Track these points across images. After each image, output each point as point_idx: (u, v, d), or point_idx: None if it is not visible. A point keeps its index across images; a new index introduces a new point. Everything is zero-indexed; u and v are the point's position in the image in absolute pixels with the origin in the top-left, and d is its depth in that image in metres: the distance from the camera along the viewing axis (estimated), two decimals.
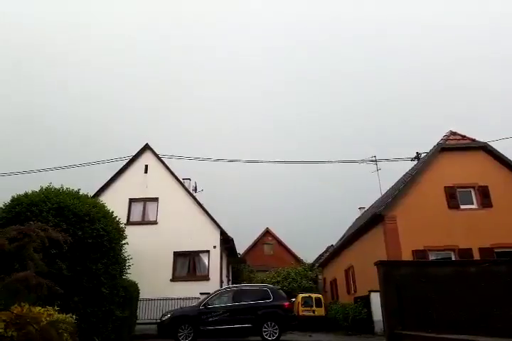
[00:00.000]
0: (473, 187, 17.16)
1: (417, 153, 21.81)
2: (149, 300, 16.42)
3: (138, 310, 13.23)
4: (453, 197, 16.99)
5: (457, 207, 16.81)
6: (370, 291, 15.79)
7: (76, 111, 59.82)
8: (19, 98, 55.01)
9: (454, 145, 18.01)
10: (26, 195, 7.60)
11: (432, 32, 66.82)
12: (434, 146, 18.56)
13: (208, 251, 18.94)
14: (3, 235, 4.37)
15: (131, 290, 9.88)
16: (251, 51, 71.78)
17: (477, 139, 18.19)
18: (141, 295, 12.95)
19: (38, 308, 4.44)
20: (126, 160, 20.74)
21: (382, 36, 67.17)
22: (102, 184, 19.90)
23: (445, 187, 17.05)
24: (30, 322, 3.93)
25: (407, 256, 15.25)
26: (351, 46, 69.43)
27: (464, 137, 18.56)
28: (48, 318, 4.37)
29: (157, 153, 20.99)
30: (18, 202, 7.27)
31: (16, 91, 55.01)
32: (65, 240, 5.00)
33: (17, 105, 53.89)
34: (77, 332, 4.83)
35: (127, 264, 10.38)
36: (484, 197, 16.93)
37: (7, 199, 7.59)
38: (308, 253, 40.38)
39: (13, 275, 4.06)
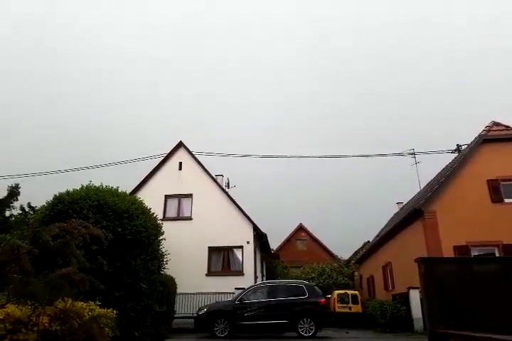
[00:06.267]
0: None
1: (457, 145, 21.06)
2: (185, 294, 16.67)
3: (175, 305, 13.44)
4: (496, 190, 16.27)
5: (501, 201, 16.10)
6: (409, 288, 15.40)
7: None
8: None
9: (497, 137, 17.22)
10: (68, 192, 7.79)
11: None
12: (476, 138, 17.82)
13: (241, 247, 19.02)
14: (47, 232, 4.47)
15: (169, 285, 10.02)
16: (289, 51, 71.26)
17: None
18: (178, 290, 13.16)
19: (80, 303, 4.54)
20: (161, 158, 21.14)
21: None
22: (139, 181, 20.37)
23: (488, 180, 16.34)
24: (74, 317, 4.01)
25: (448, 252, 14.74)
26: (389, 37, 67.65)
27: (507, 127, 17.72)
28: (89, 313, 4.46)
29: (190, 150, 21.26)
30: (60, 199, 7.47)
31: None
32: (105, 237, 5.08)
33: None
34: (118, 326, 4.91)
35: (165, 259, 10.54)
36: None
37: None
38: (344, 249, 39.92)
39: (56, 271, 4.15)
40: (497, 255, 14.94)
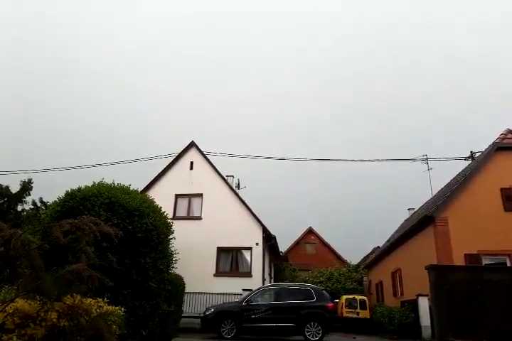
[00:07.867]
0: None
1: (471, 152, 20.80)
2: (193, 294, 16.70)
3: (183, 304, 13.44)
4: (509, 199, 16.05)
5: None
6: (418, 295, 15.22)
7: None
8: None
9: None
10: (79, 189, 7.80)
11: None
12: (490, 145, 17.59)
13: (250, 248, 19.00)
14: (58, 228, 4.50)
15: (177, 284, 10.01)
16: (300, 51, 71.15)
17: None
18: (185, 289, 13.18)
19: (89, 300, 4.54)
20: (173, 157, 21.25)
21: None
22: (150, 180, 20.49)
23: (501, 188, 16.12)
24: (82, 314, 4.03)
25: (458, 260, 14.55)
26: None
27: None
28: (98, 310, 4.46)
29: (202, 150, 21.34)
30: (71, 196, 7.47)
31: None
32: (116, 234, 5.10)
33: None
34: (125, 324, 4.91)
35: (174, 259, 10.55)
36: None
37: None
38: (353, 254, 39.70)
39: (66, 267, 4.17)
40: (508, 264, 14.75)
